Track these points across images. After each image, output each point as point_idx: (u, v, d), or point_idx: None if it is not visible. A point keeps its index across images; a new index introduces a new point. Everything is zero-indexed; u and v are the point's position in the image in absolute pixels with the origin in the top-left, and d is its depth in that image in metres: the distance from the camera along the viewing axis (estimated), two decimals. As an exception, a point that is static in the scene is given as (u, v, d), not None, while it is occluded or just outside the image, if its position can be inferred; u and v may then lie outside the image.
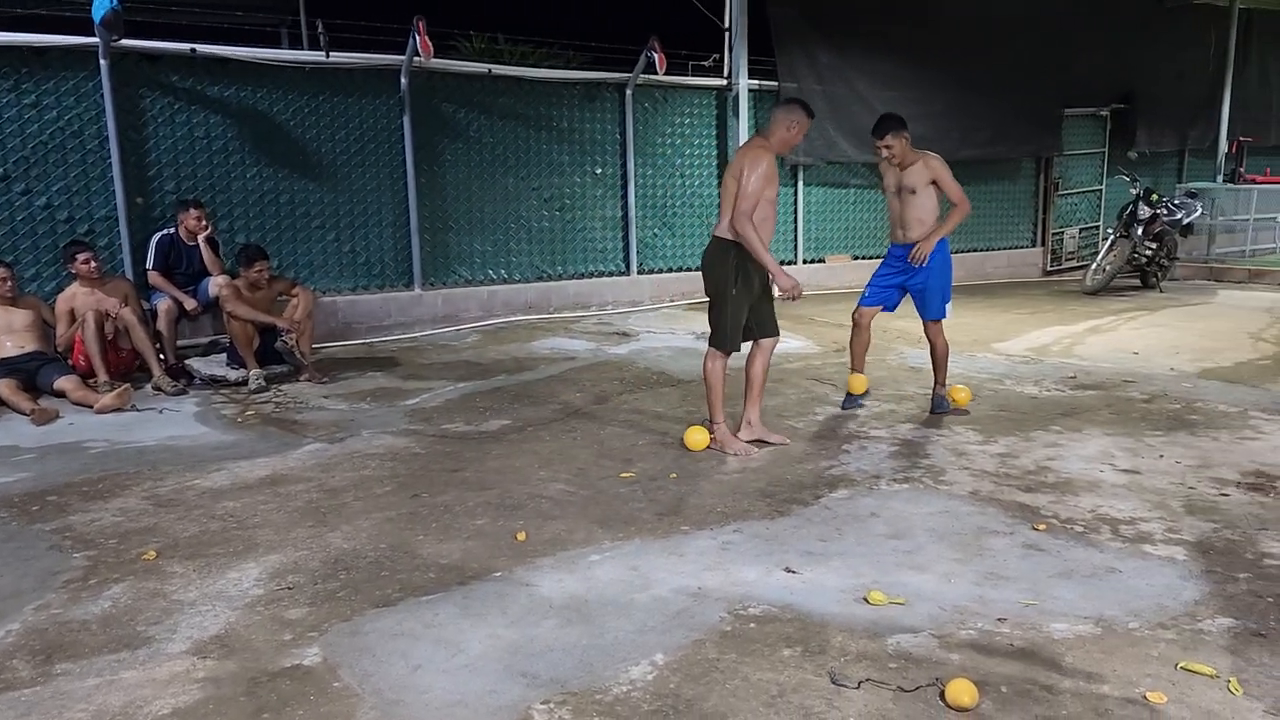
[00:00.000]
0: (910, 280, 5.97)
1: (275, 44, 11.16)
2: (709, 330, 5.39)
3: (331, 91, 8.58)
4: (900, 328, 8.82)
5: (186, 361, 7.22)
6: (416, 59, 8.47)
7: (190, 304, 7.31)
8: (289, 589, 3.60)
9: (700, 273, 5.35)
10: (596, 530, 4.15)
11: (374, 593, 3.56)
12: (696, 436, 5.36)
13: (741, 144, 5.35)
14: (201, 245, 7.37)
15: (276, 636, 3.23)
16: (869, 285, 6.20)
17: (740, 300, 5.22)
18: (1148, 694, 2.82)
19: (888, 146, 5.81)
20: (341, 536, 4.11)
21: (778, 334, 5.48)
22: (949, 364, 6.17)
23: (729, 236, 5.11)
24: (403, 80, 8.70)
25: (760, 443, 5.39)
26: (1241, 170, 14.62)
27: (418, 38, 8.11)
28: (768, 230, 5.15)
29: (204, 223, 7.40)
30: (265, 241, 8.09)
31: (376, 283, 9.03)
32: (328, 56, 8.45)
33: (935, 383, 6.15)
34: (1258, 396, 6.33)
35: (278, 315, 7.04)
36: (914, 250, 5.82)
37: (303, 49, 9.60)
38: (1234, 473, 4.81)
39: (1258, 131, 15.01)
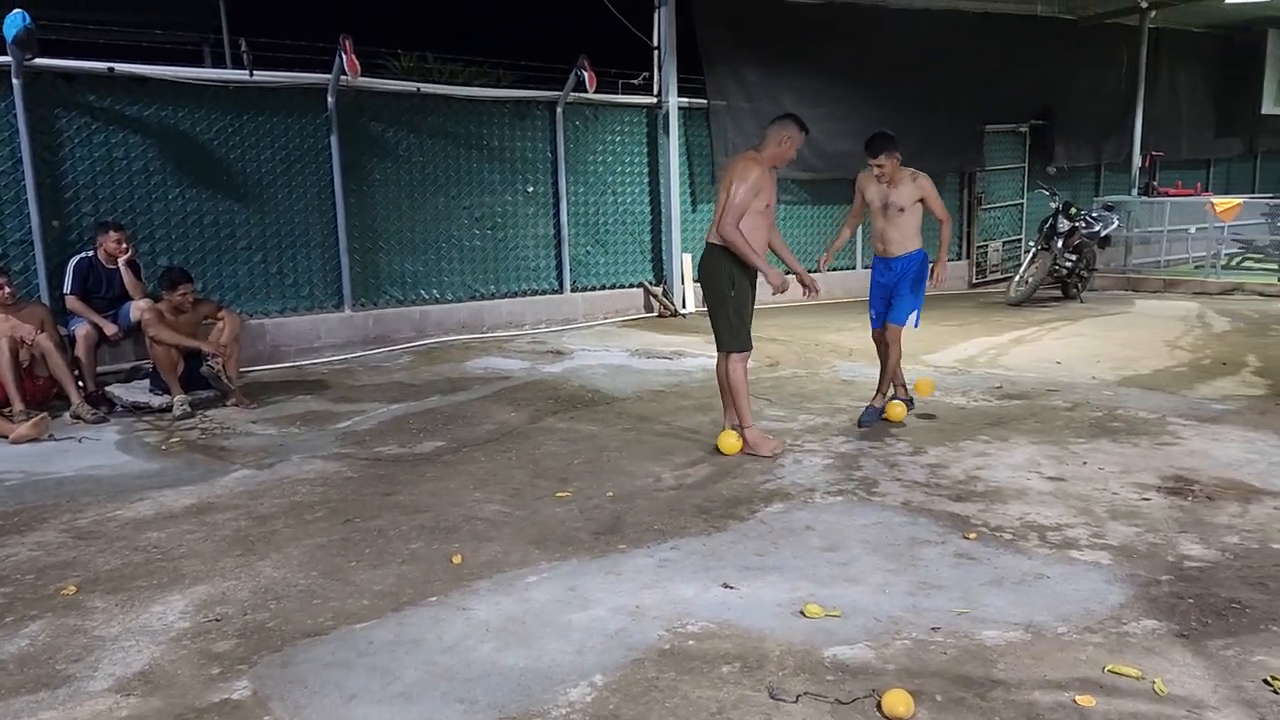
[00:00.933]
0: (889, 282, 6.16)
1: (198, 62, 10.96)
2: (718, 338, 5.57)
3: (256, 110, 8.44)
4: (832, 341, 8.95)
5: (107, 388, 7.01)
6: (344, 78, 8.37)
7: (110, 329, 7.11)
8: (216, 621, 3.50)
9: (698, 284, 5.58)
10: (533, 551, 4.12)
11: (306, 622, 3.48)
12: (730, 441, 5.48)
13: (731, 158, 5.56)
14: (122, 268, 7.18)
15: (204, 671, 3.14)
16: (871, 308, 6.33)
17: (741, 299, 5.44)
18: (1077, 697, 2.88)
19: (880, 165, 5.96)
20: (271, 565, 4.02)
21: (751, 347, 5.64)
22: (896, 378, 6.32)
23: (718, 242, 5.36)
24: (330, 99, 8.60)
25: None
26: (1154, 183, 15.12)
27: (344, 56, 8.02)
28: (759, 239, 5.36)
29: (124, 245, 7.21)
30: (189, 264, 7.90)
31: (305, 304, 8.88)
32: (251, 75, 8.33)
33: (876, 392, 6.25)
34: (1175, 403, 6.53)
35: (203, 339, 6.88)
36: (935, 277, 6.08)
37: (226, 67, 9.43)
38: (1154, 477, 4.95)
39: (1168, 146, 15.55)
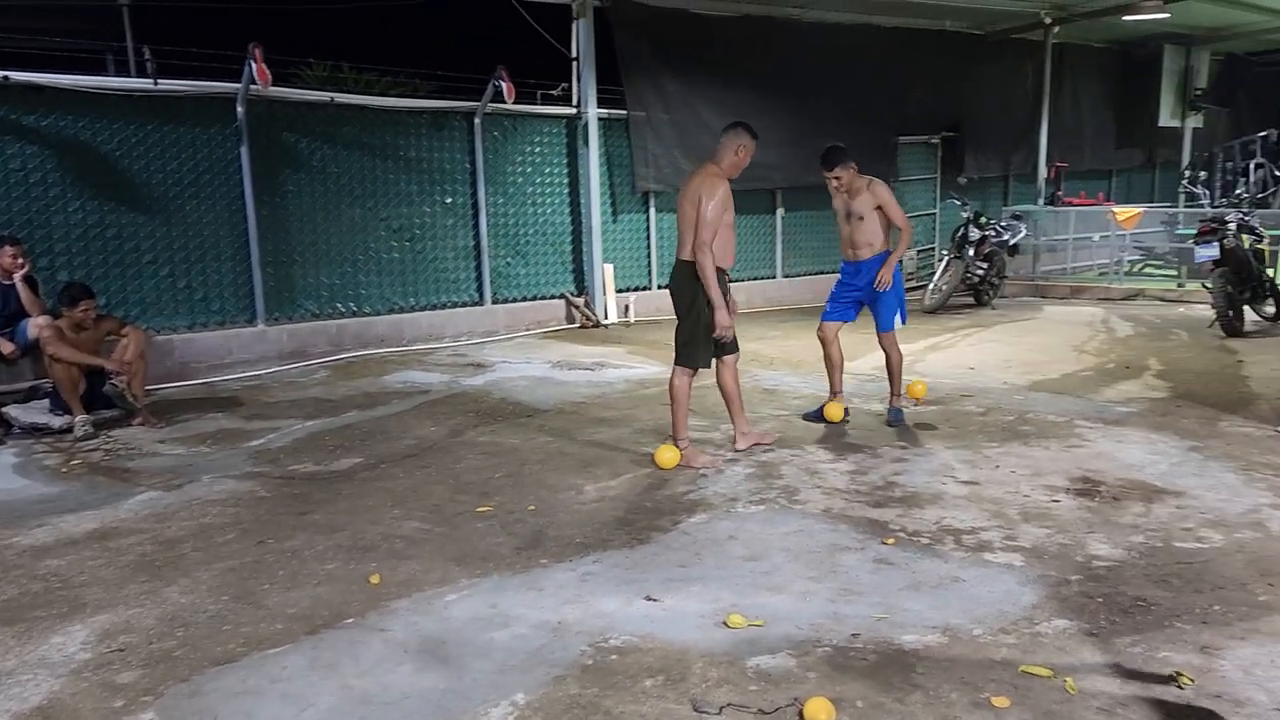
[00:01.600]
0: (865, 295, 6.37)
1: (101, 71, 10.61)
2: (676, 349, 5.53)
3: (162, 120, 8.19)
4: (753, 350, 9.01)
5: (3, 409, 6.70)
6: (254, 87, 8.18)
7: (7, 348, 6.80)
8: (120, 651, 3.36)
9: (673, 293, 5.51)
10: (453, 568, 4.05)
11: (215, 649, 3.36)
12: (667, 455, 5.43)
13: (696, 170, 5.52)
14: (18, 284, 6.88)
15: (106, 703, 3.01)
16: (829, 301, 6.54)
17: (709, 318, 5.37)
18: (992, 699, 2.93)
19: (836, 178, 6.21)
20: (179, 590, 3.88)
21: (738, 350, 5.65)
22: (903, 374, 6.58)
23: (689, 259, 5.31)
24: (239, 109, 8.39)
25: (758, 445, 5.71)
26: (1060, 193, 15.60)
27: (254, 65, 7.84)
28: (730, 252, 5.47)
29: (20, 260, 6.92)
30: (91, 279, 7.62)
31: (216, 319, 8.63)
32: (156, 84, 8.08)
33: (891, 394, 6.48)
34: (1082, 406, 6.73)
35: (106, 356, 6.63)
36: (877, 279, 6.24)
37: (131, 76, 9.15)
38: (1064, 479, 5.09)
39: (1072, 157, 16.06)
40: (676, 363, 5.54)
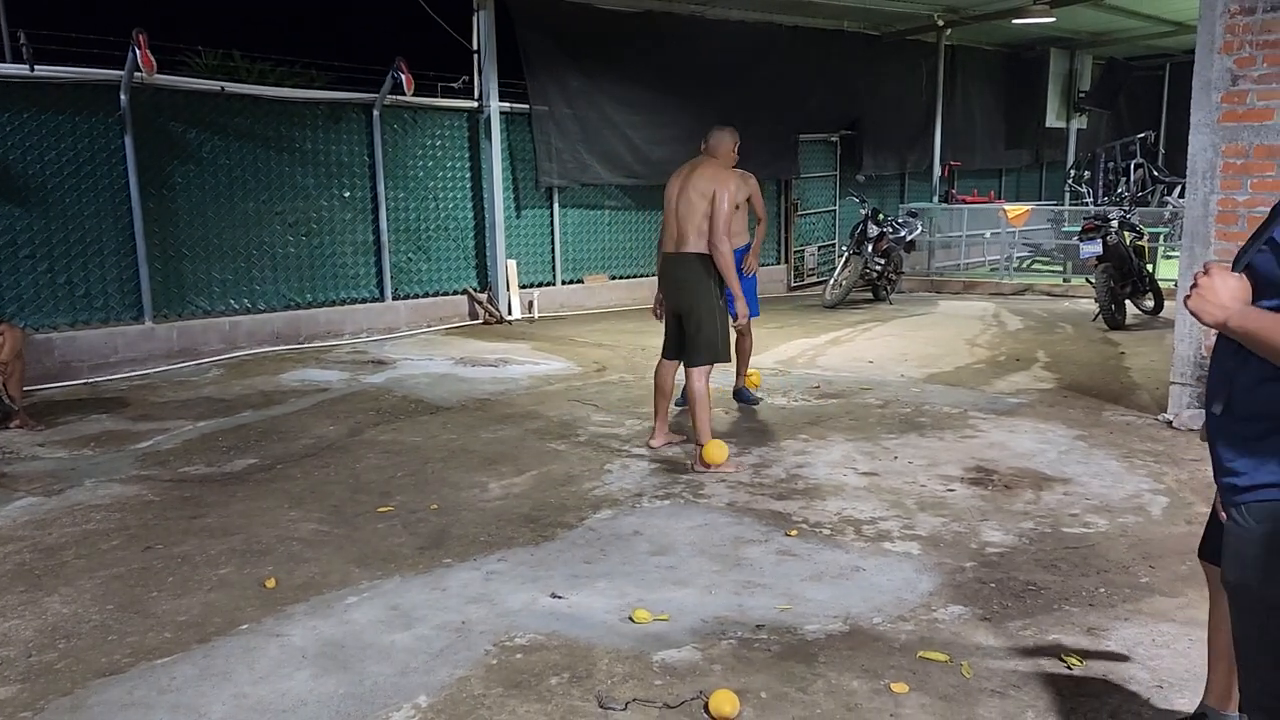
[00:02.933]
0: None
1: (-30, 55, 10.03)
2: (693, 349, 5.38)
3: (39, 109, 7.79)
4: (658, 346, 9.04)
5: None
6: (138, 75, 7.84)
7: None
8: (-5, 666, 3.19)
9: (675, 291, 5.45)
10: (353, 570, 3.96)
11: (99, 660, 3.22)
12: (718, 450, 5.20)
13: (695, 164, 5.53)
14: (-119, 280, 6.48)
15: (-21, 722, 2.85)
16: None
17: (724, 311, 5.41)
18: (892, 685, 2.99)
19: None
20: (60, 600, 3.70)
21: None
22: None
23: (703, 251, 5.31)
24: (122, 97, 8.03)
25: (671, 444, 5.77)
26: (953, 191, 16.07)
27: (138, 52, 7.51)
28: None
29: (-117, 254, 6.51)
30: (-37, 274, 7.22)
31: (99, 316, 8.26)
32: (33, 70, 7.67)
33: (736, 375, 6.76)
34: (975, 398, 6.94)
35: (-20, 356, 6.28)
36: (745, 264, 6.51)
37: (4, 61, 8.68)
38: (958, 469, 5.24)
39: (964, 156, 16.55)
40: (694, 364, 5.36)
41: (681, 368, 5.55)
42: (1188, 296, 1.97)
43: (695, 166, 5.51)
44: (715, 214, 5.25)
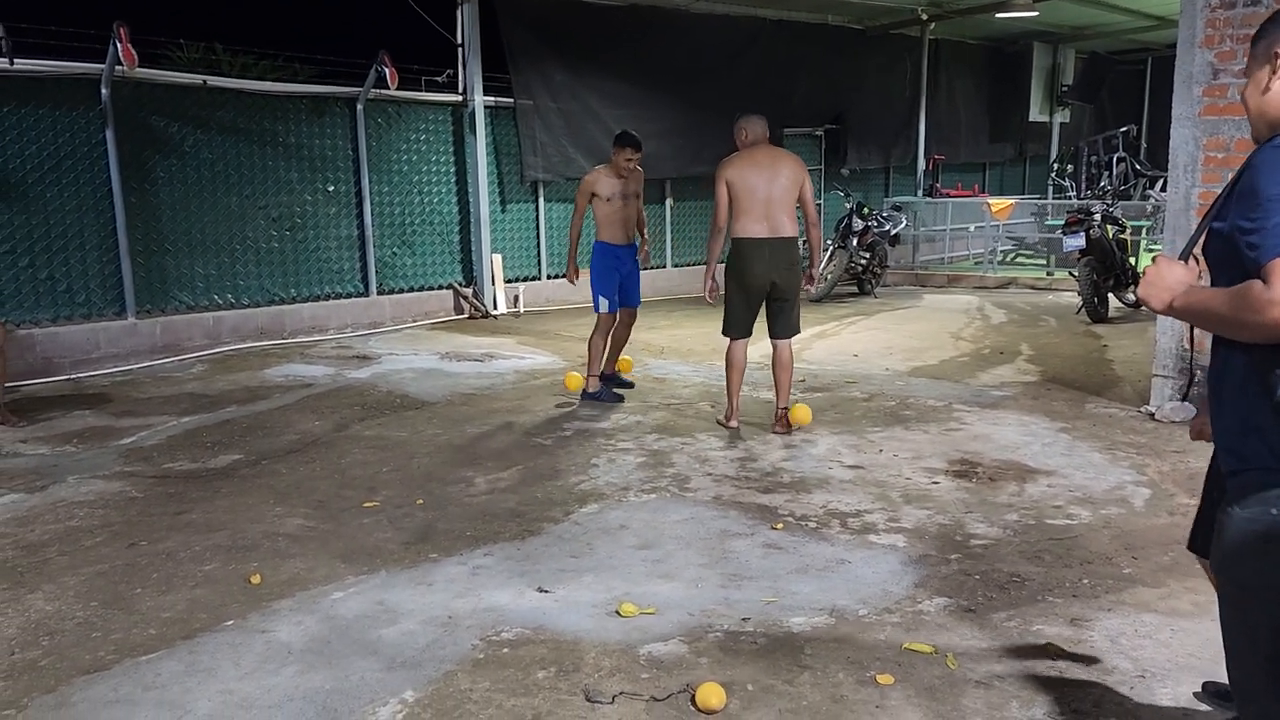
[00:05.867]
0: (628, 273, 6.81)
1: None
2: (793, 325, 5.97)
3: (19, 102, 7.72)
4: (644, 339, 9.05)
5: None
6: (119, 68, 7.78)
7: None
8: (-22, 664, 3.17)
9: (782, 271, 5.79)
10: (339, 565, 3.95)
11: (84, 658, 3.20)
12: (804, 413, 5.97)
13: (767, 150, 5.93)
14: None
15: (-38, 721, 2.83)
16: (610, 290, 6.71)
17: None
18: (878, 676, 3.01)
19: (637, 158, 6.58)
20: (43, 597, 3.68)
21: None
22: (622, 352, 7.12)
23: (795, 234, 5.79)
24: (104, 91, 7.97)
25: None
26: (938, 185, 16.11)
27: (119, 45, 7.46)
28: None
29: None
30: (-58, 270, 7.15)
31: (82, 312, 8.20)
32: (13, 64, 7.60)
33: (591, 369, 6.79)
34: (959, 391, 6.97)
35: (-40, 352, 6.23)
36: (643, 256, 6.97)
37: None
38: (943, 462, 5.26)
39: (949, 150, 16.61)
40: (791, 335, 5.95)
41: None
42: (1138, 286, 2.02)
43: (777, 154, 5.92)
44: (808, 199, 5.86)
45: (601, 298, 6.66)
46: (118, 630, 3.40)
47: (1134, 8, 14.14)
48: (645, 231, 6.98)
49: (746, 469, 5.18)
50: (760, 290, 5.82)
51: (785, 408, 5.88)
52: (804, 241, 6.05)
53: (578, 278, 7.14)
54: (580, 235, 6.95)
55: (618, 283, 6.72)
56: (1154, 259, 2.07)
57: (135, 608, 3.58)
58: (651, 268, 12.59)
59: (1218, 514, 2.07)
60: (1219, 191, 2.05)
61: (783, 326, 5.92)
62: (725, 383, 6.05)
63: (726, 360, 5.98)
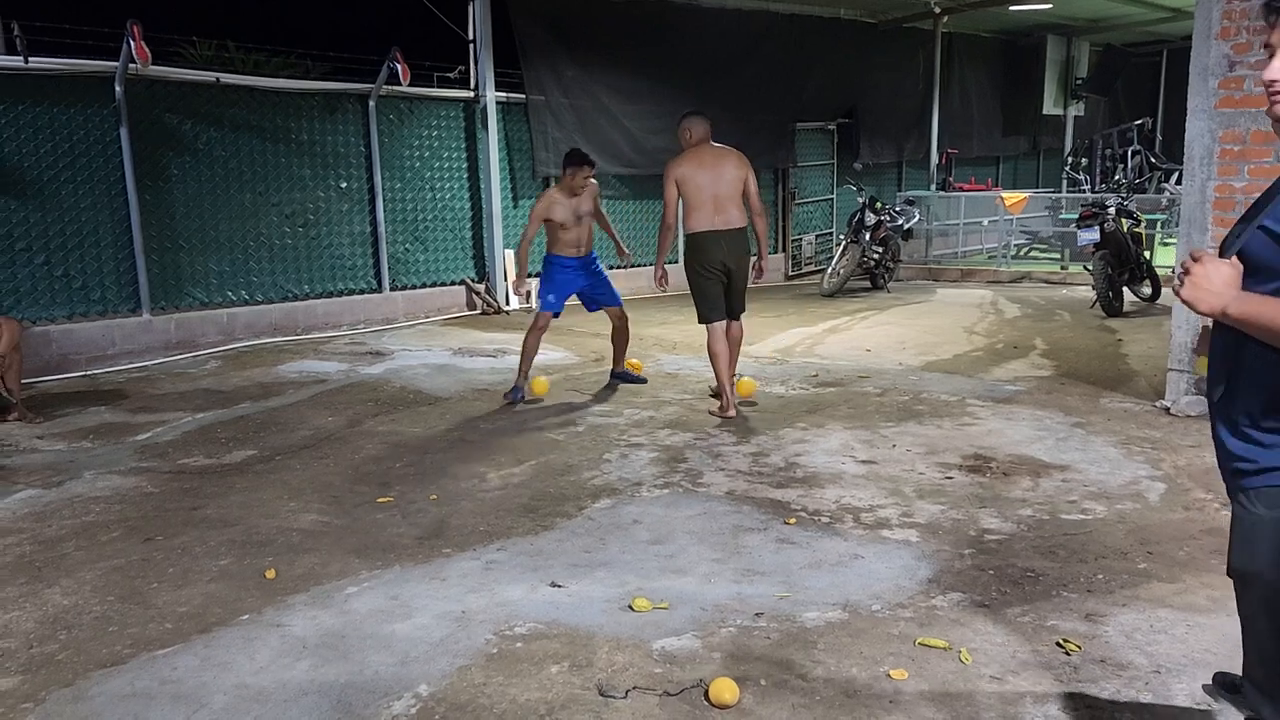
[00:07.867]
0: (590, 282, 6.95)
1: (-36, 47, 9.99)
2: (741, 305, 6.40)
3: (34, 100, 7.76)
4: (656, 335, 9.06)
5: None
6: (133, 66, 7.81)
7: None
8: (-4, 658, 3.20)
9: (737, 259, 6.22)
10: (353, 560, 3.97)
11: (100, 651, 3.23)
12: (750, 385, 6.60)
13: (717, 147, 6.31)
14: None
15: (-19, 714, 2.86)
16: (556, 296, 6.84)
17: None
18: (891, 672, 3.00)
19: (591, 176, 6.74)
20: (60, 592, 3.71)
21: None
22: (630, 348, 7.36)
23: (744, 225, 6.19)
24: (117, 88, 8.00)
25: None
26: (951, 179, 16.06)
27: (133, 43, 7.49)
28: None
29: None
30: (-41, 267, 7.20)
31: (97, 309, 8.25)
32: (27, 62, 7.64)
33: (614, 359, 7.21)
34: (973, 385, 6.94)
35: (-23, 349, 6.27)
36: (623, 254, 7.32)
37: (-2, 53, 8.64)
38: (956, 457, 5.25)
39: (962, 144, 16.55)
40: (739, 315, 6.37)
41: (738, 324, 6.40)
42: (1180, 286, 1.94)
43: (723, 150, 6.24)
44: (752, 192, 6.20)
45: (544, 298, 6.80)
46: (134, 624, 3.42)
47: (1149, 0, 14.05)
48: (613, 231, 7.27)
49: (759, 464, 5.18)
50: (721, 274, 6.18)
51: (733, 377, 6.33)
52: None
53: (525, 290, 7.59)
54: (528, 255, 7.12)
55: (573, 292, 6.89)
56: (1194, 255, 1.94)
57: (151, 602, 3.60)
58: (667, 262, 12.57)
59: (1243, 516, 2.03)
60: (1235, 184, 2.01)
61: (735, 306, 6.34)
62: (715, 374, 6.28)
63: (710, 350, 6.22)
